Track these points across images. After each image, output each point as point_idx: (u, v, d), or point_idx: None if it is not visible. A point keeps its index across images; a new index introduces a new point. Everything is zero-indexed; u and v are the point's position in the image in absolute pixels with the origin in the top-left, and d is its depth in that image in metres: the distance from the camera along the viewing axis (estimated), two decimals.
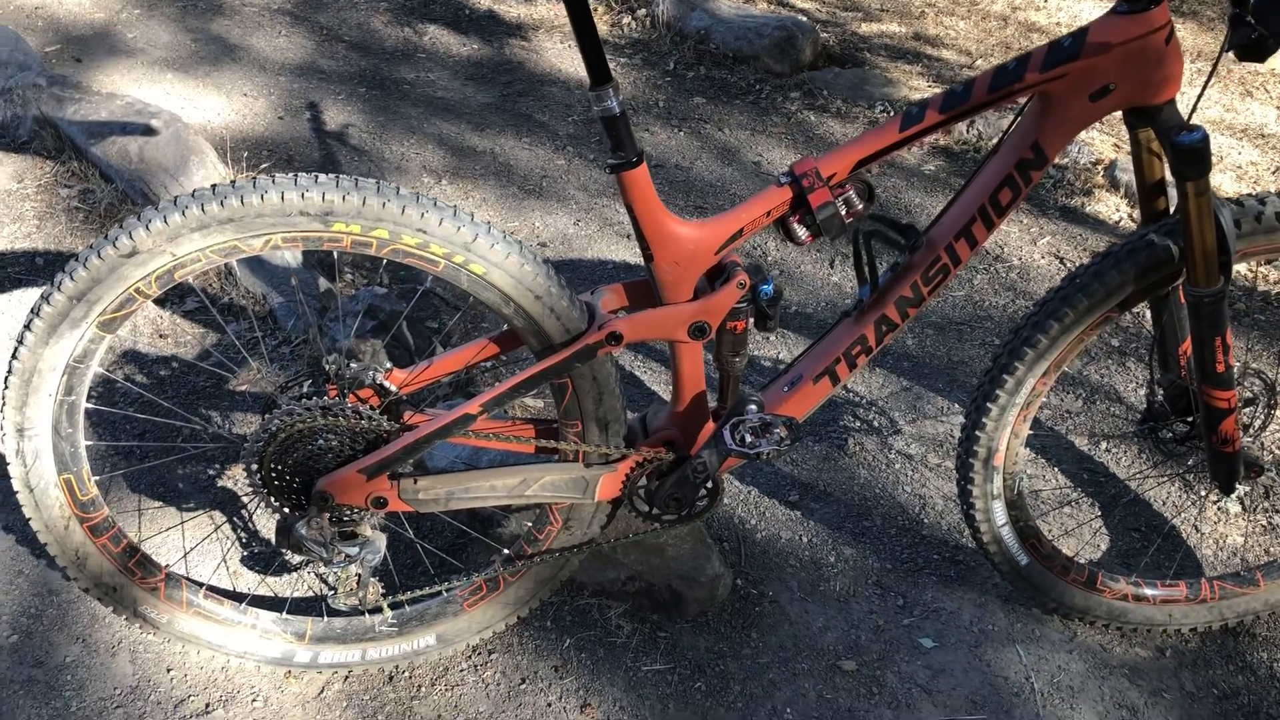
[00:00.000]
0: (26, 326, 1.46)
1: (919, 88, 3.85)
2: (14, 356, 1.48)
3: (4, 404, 1.50)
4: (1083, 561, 1.98)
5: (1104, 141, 3.48)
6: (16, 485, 1.57)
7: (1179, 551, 2.14)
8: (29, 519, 1.60)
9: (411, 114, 3.49)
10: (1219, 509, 2.23)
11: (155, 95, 3.38)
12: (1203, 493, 2.25)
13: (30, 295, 2.51)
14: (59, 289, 1.43)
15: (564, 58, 3.92)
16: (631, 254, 2.92)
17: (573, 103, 3.64)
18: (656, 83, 3.81)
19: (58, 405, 1.52)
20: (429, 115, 3.49)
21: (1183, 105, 1.49)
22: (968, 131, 3.50)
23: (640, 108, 3.64)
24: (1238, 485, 1.80)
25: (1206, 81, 1.58)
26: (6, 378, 1.49)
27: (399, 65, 3.79)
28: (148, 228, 1.39)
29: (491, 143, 3.38)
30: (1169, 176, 1.54)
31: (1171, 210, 1.59)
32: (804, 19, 4.11)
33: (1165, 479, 2.29)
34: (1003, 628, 1.98)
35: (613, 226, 3.03)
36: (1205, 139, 1.44)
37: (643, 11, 4.17)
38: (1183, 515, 2.22)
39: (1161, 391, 1.83)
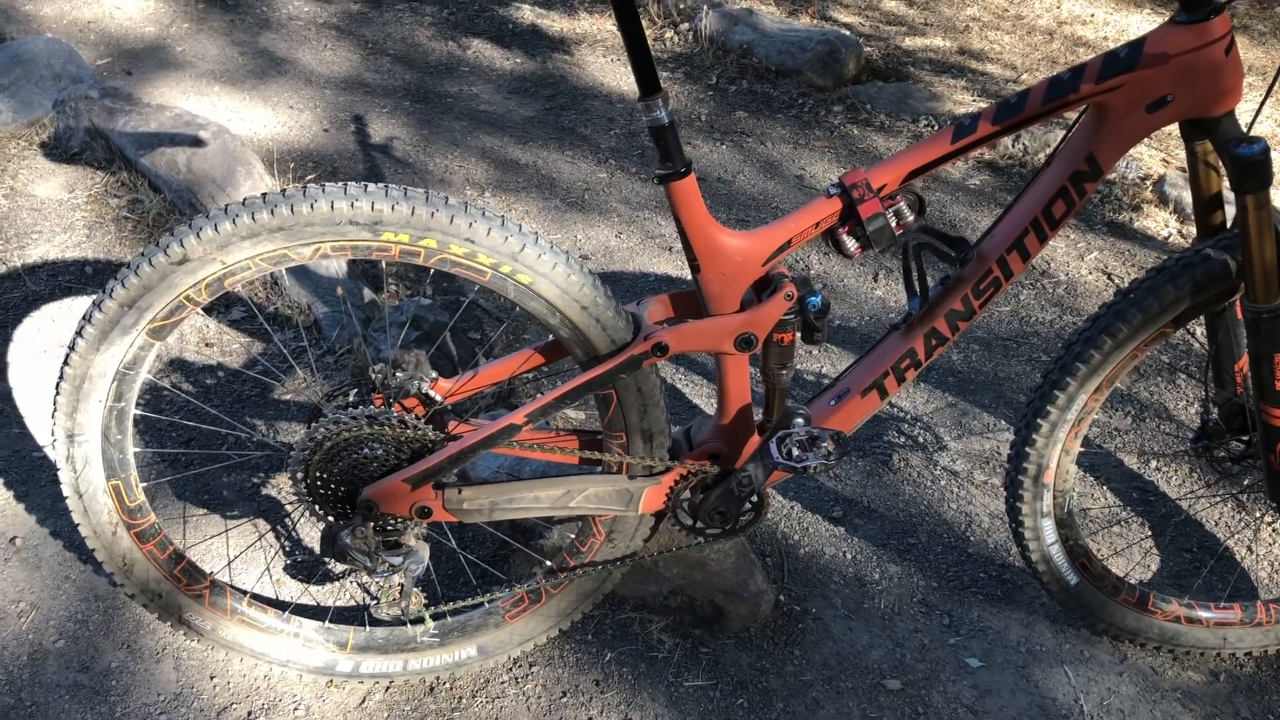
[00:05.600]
0: (78, 333, 1.47)
1: (964, 102, 3.82)
2: (65, 363, 1.49)
3: (55, 410, 1.52)
4: (1133, 582, 1.94)
5: (1152, 156, 3.44)
6: (66, 490, 1.58)
7: (1233, 573, 2.10)
8: (77, 524, 1.62)
9: (455, 127, 3.51)
10: (1275, 530, 2.18)
11: (203, 107, 3.42)
12: (1258, 513, 2.20)
13: (80, 304, 2.55)
14: (111, 296, 1.44)
15: (606, 72, 3.93)
16: (673, 267, 2.91)
17: (615, 116, 3.64)
18: (699, 96, 3.80)
19: (108, 411, 1.53)
20: (473, 128, 3.51)
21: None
22: (1013, 145, 3.47)
23: (683, 121, 3.64)
24: None
25: (1268, 92, 1.55)
26: (58, 384, 1.50)
27: (443, 79, 3.81)
28: (199, 235, 1.40)
29: (534, 155, 3.39)
30: (1226, 190, 1.51)
31: (1229, 224, 1.56)
32: (847, 33, 4.09)
33: (1218, 499, 2.24)
34: (1051, 648, 1.95)
35: (654, 239, 3.02)
36: (1266, 151, 1.41)
37: (686, 26, 4.18)
38: (1237, 536, 2.17)
39: (1216, 409, 1.80)
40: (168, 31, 3.93)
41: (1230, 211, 1.51)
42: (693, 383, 2.53)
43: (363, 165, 3.28)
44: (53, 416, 1.53)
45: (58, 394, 1.51)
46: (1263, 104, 1.59)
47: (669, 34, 4.18)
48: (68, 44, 3.38)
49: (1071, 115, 1.49)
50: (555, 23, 4.25)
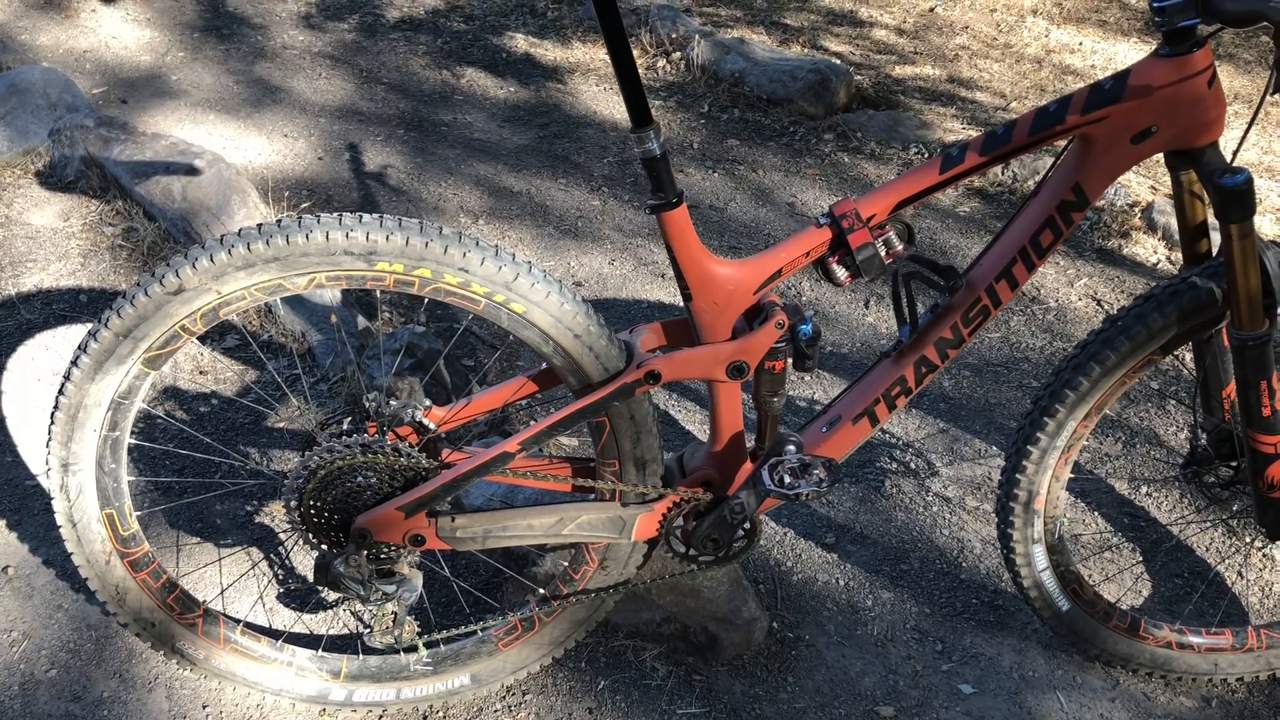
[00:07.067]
0: (74, 363, 1.48)
1: (953, 130, 3.86)
2: (60, 392, 1.50)
3: (50, 439, 1.52)
4: (1125, 608, 1.94)
5: (1141, 184, 3.47)
6: (60, 519, 1.59)
7: (1224, 599, 2.11)
8: (71, 553, 1.62)
9: (449, 155, 3.53)
10: (1265, 555, 2.19)
11: (198, 136, 3.44)
12: (1248, 539, 2.21)
13: (74, 332, 2.55)
14: (106, 326, 1.45)
15: (599, 100, 3.96)
16: (666, 294, 2.93)
17: (608, 144, 3.67)
18: (691, 125, 3.83)
19: (102, 441, 1.54)
20: (466, 156, 3.53)
21: (1223, 147, 1.48)
22: (1003, 174, 3.50)
23: (675, 149, 3.66)
24: None
25: (1250, 124, 1.57)
26: (53, 413, 1.51)
27: (437, 107, 3.84)
28: (194, 266, 1.41)
29: (528, 183, 3.41)
30: (1211, 219, 1.53)
31: (1214, 253, 1.58)
32: (838, 62, 4.13)
33: (1208, 524, 2.25)
34: (1043, 674, 1.95)
35: (648, 266, 3.04)
36: (1249, 181, 1.43)
37: (678, 55, 4.21)
38: (1227, 561, 2.18)
39: (1205, 435, 1.81)
40: (163, 60, 3.95)
41: (1216, 239, 1.53)
42: (685, 409, 2.54)
43: (357, 193, 3.30)
44: (47, 445, 1.53)
45: (52, 423, 1.51)
46: (1245, 134, 1.61)
47: (661, 63, 4.21)
48: (63, 73, 3.40)
49: (1060, 144, 1.52)
50: (549, 52, 4.29)
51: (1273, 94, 1.42)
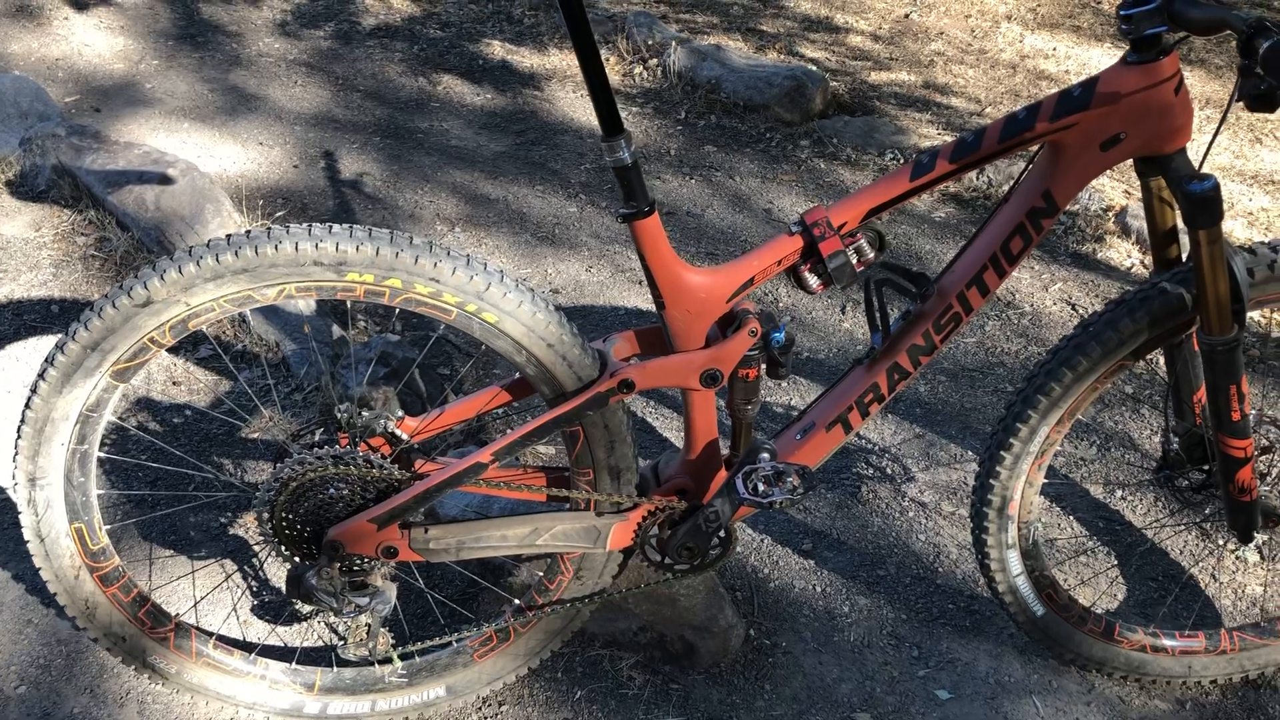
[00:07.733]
0: (41, 375, 1.46)
1: (929, 135, 3.87)
2: (27, 405, 1.48)
3: (17, 453, 1.51)
4: (1099, 612, 1.95)
5: (1114, 188, 3.49)
6: (27, 534, 1.57)
7: (1197, 602, 2.12)
8: (39, 568, 1.60)
9: (425, 163, 3.52)
10: (1237, 558, 2.21)
11: (172, 144, 3.42)
12: (1220, 542, 2.23)
13: (45, 343, 2.53)
14: (73, 338, 1.43)
15: (576, 107, 3.96)
16: (643, 301, 2.93)
17: (585, 151, 3.66)
18: (668, 131, 3.83)
19: (70, 454, 1.52)
20: (443, 164, 3.52)
21: (1193, 153, 1.49)
22: (977, 179, 3.51)
23: (652, 156, 3.67)
24: (1256, 534, 1.78)
25: (1216, 131, 1.58)
26: (20, 426, 1.49)
27: (413, 115, 3.83)
28: (162, 277, 1.40)
29: (505, 191, 3.40)
30: (1181, 224, 1.54)
31: (1184, 258, 1.59)
32: (814, 68, 4.14)
33: (1182, 528, 2.26)
34: (1019, 679, 1.95)
35: (624, 273, 3.04)
36: (1216, 187, 1.44)
37: (654, 61, 4.21)
38: (1200, 564, 2.19)
39: (1177, 440, 1.82)
40: (137, 68, 3.93)
41: (1186, 245, 1.54)
42: (662, 416, 2.54)
43: (332, 202, 3.29)
44: (14, 459, 1.52)
45: (19, 437, 1.50)
46: (1213, 139, 1.62)
47: (638, 70, 4.21)
48: (35, 81, 3.37)
49: (1031, 150, 1.52)
50: (525, 59, 4.28)
51: (1238, 100, 1.43)
